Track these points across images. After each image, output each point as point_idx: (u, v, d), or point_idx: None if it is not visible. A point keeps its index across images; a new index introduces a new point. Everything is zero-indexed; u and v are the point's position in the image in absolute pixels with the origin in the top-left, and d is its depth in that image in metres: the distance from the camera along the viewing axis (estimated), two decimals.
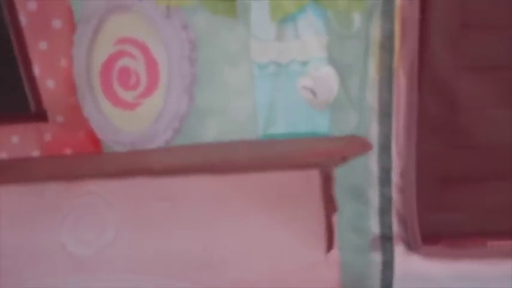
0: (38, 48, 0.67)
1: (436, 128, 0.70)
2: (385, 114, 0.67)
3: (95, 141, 0.70)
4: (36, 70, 0.68)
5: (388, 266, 0.71)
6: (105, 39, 0.65)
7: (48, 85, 0.68)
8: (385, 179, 0.70)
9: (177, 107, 0.65)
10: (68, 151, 0.70)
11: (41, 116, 0.70)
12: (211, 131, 0.67)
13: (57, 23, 0.66)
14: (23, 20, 0.65)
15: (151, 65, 0.65)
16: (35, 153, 0.71)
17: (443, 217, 0.75)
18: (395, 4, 0.63)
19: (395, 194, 0.71)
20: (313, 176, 0.65)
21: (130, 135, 0.68)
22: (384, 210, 0.72)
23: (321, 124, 0.66)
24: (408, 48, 0.64)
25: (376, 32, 0.63)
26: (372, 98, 0.66)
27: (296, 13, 0.62)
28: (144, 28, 0.64)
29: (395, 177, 0.70)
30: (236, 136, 0.67)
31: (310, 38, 0.63)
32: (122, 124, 0.68)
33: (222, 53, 0.64)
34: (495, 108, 0.69)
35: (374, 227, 0.72)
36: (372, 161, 0.68)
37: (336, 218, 0.68)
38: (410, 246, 0.74)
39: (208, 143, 0.66)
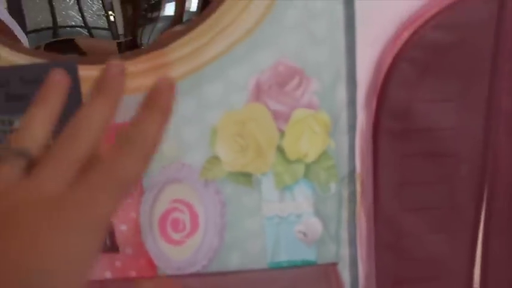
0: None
1: (388, 249, 0.89)
2: (352, 242, 0.89)
3: (153, 267, 0.89)
4: (115, 219, 0.85)
5: None
6: (163, 200, 0.84)
7: (121, 228, 0.86)
8: (353, 284, 0.91)
9: (211, 244, 0.86)
10: (132, 273, 0.89)
11: (114, 249, 0.88)
12: (235, 260, 0.87)
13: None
14: None
15: (194, 217, 0.85)
16: (108, 274, 0.89)
17: None
18: (356, 172, 0.85)
19: None
20: None
21: (178, 262, 0.87)
22: None
23: (311, 254, 0.87)
24: (366, 200, 0.86)
25: (345, 192, 0.86)
26: (344, 234, 0.88)
27: (292, 184, 0.84)
28: (190, 193, 0.84)
29: (361, 280, 0.91)
30: (252, 264, 0.87)
31: (302, 199, 0.84)
32: (172, 255, 0.87)
33: (242, 210, 0.84)
34: (430, 233, 0.88)
35: None
36: (345, 273, 0.89)
37: None
38: None
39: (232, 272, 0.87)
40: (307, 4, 0.78)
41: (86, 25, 1.54)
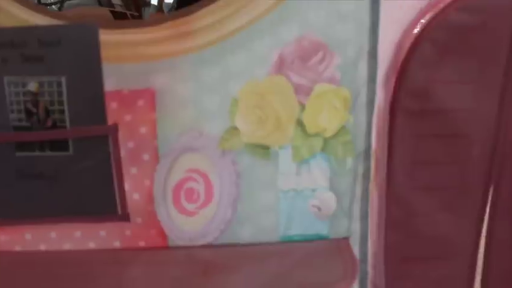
0: (130, 172, 0.82)
1: (398, 226, 0.89)
2: (363, 218, 0.90)
3: (163, 237, 0.87)
4: (127, 186, 0.83)
5: None
6: (179, 169, 0.83)
7: (133, 197, 0.84)
8: (363, 259, 0.93)
9: (224, 215, 0.85)
10: (142, 243, 0.88)
11: (124, 217, 0.86)
12: (247, 232, 0.86)
13: (146, 156, 0.82)
14: (123, 153, 0.81)
15: (208, 187, 0.84)
16: (116, 244, 0.88)
17: (401, 283, 0.95)
18: (372, 149, 0.87)
19: (370, 269, 0.94)
20: None
21: (190, 233, 0.87)
22: (362, 281, 0.94)
23: (323, 228, 0.88)
24: (379, 177, 0.87)
25: (360, 168, 0.87)
26: (356, 209, 0.89)
27: (310, 158, 0.84)
28: (206, 163, 0.83)
29: (369, 256, 0.93)
30: (264, 237, 0.87)
31: (318, 174, 0.85)
32: (184, 226, 0.86)
33: (257, 182, 0.84)
34: (439, 212, 0.89)
35: None
36: (355, 249, 0.90)
37: None
38: None
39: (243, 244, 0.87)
40: None
41: None
